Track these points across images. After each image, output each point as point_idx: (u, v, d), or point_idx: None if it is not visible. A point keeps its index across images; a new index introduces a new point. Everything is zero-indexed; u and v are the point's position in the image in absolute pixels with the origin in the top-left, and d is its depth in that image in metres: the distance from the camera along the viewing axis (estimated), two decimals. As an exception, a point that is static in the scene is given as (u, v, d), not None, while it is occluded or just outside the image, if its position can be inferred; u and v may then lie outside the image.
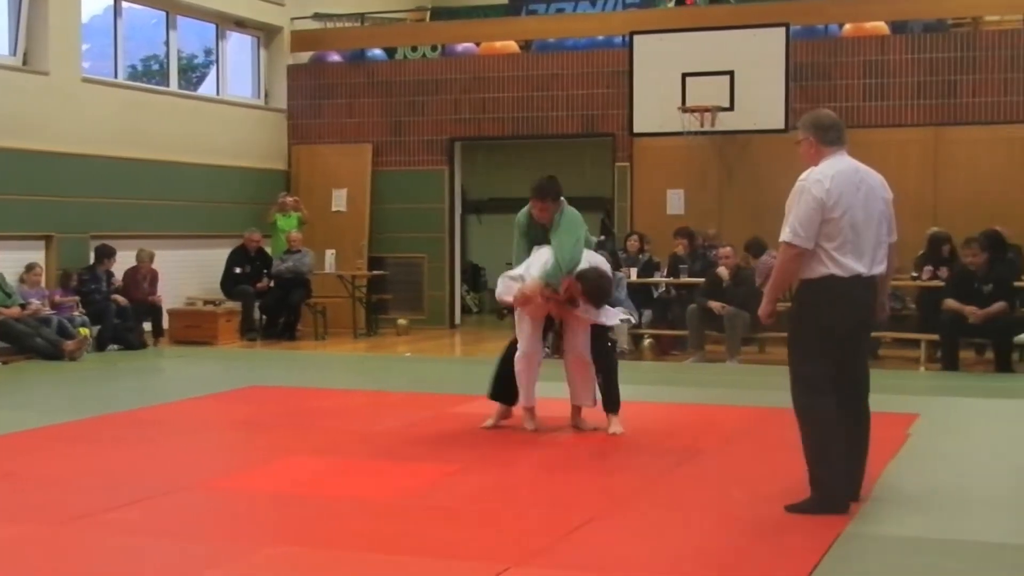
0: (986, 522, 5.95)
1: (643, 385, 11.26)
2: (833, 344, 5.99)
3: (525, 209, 8.56)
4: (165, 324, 15.17)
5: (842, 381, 6.07)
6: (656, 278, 14.71)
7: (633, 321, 13.32)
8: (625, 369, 12.54)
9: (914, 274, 13.41)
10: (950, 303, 12.27)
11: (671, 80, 15.20)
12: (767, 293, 6.26)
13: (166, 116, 15.95)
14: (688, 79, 15.16)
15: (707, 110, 15.02)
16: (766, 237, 12.90)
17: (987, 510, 6.21)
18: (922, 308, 13.30)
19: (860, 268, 5.93)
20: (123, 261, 14.59)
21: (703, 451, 7.73)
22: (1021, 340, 12.31)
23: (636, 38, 15.66)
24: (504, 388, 8.54)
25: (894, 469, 7.05)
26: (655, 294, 14.80)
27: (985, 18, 16.30)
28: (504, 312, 8.17)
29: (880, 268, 6.07)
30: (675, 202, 16.25)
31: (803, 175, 6.02)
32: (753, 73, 14.99)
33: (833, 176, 5.92)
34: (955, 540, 5.57)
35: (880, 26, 15.95)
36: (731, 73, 15.05)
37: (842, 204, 5.88)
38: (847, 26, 16.14)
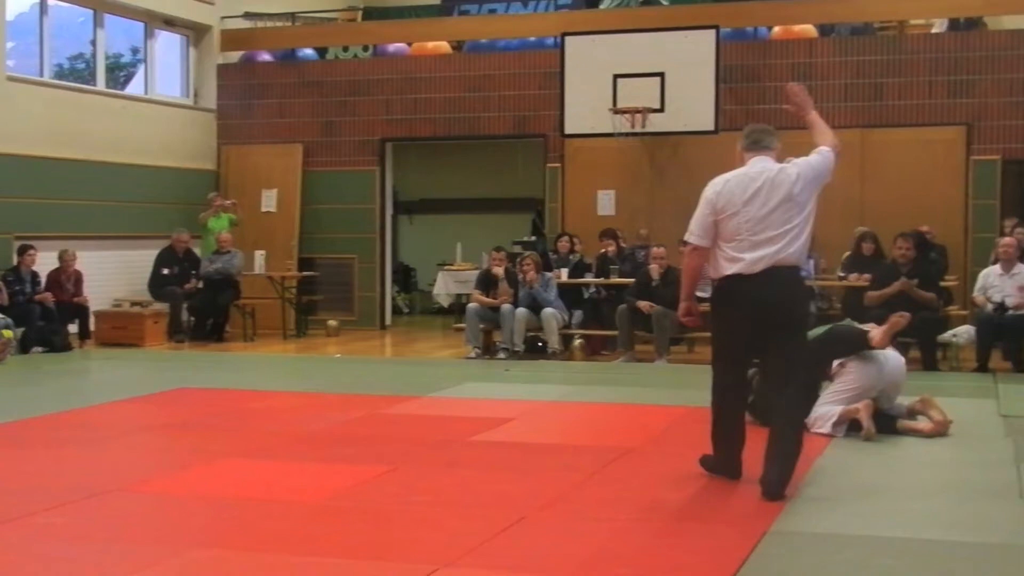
0: (911, 518, 6.02)
1: (573, 385, 11.31)
2: (735, 339, 6.42)
3: None
4: (92, 326, 14.98)
5: (768, 375, 6.44)
6: (586, 279, 14.76)
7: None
8: (555, 369, 12.67)
9: (840, 274, 13.55)
10: (872, 294, 12.39)
11: (603, 81, 15.26)
12: (681, 292, 6.76)
13: (93, 115, 15.77)
14: (619, 80, 15.23)
15: (638, 111, 15.10)
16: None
17: (912, 507, 6.28)
18: (847, 307, 13.42)
19: (758, 266, 6.26)
20: (49, 262, 14.39)
21: (632, 450, 7.76)
22: (946, 339, 12.50)
23: (568, 39, 15.70)
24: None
25: (820, 467, 7.13)
26: (585, 295, 14.85)
27: (910, 22, 16.53)
28: None
29: (786, 253, 6.29)
30: (606, 203, 16.32)
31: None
32: (684, 75, 15.09)
33: (727, 180, 6.41)
34: (881, 536, 5.63)
35: (808, 29, 16.12)
36: (662, 75, 15.14)
37: (732, 205, 6.32)
38: (776, 29, 16.29)
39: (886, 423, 8.14)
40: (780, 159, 6.54)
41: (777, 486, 6.22)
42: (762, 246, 6.27)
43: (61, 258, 14.53)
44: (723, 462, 6.61)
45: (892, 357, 8.32)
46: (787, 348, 6.39)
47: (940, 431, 8.14)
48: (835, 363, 8.20)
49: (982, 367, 12.14)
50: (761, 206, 6.29)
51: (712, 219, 6.35)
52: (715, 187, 6.41)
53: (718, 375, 6.53)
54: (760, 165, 6.43)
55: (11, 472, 7.12)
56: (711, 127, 14.79)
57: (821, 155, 6.58)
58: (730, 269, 6.33)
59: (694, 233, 6.43)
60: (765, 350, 6.43)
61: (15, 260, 14.11)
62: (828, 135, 6.72)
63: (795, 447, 6.33)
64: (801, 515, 5.97)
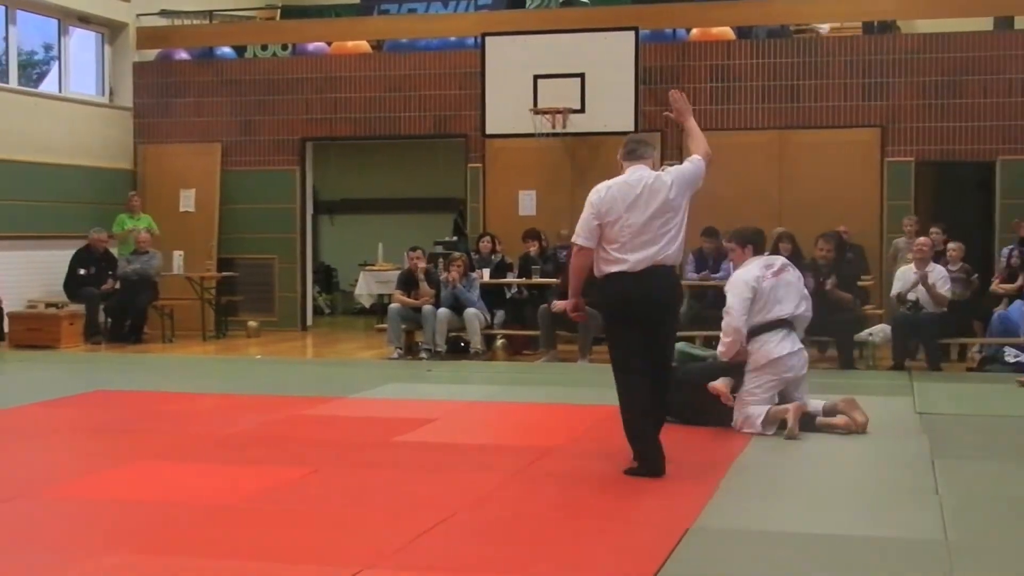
0: (830, 515, 6.10)
1: (496, 385, 11.32)
2: (621, 330, 6.92)
3: None
4: (5, 327, 14.72)
5: (646, 365, 6.85)
6: (508, 279, 14.78)
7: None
8: (478, 369, 12.67)
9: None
10: None
11: (523, 82, 15.27)
12: (569, 289, 7.26)
13: (6, 113, 15.50)
14: (540, 81, 15.24)
15: (559, 112, 15.13)
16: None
17: (831, 503, 6.36)
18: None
19: (637, 265, 6.78)
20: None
21: (554, 449, 7.79)
22: (863, 338, 12.67)
23: (488, 40, 15.69)
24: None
25: (741, 464, 7.20)
26: (508, 294, 14.86)
27: (826, 25, 16.73)
28: None
29: (665, 254, 6.83)
30: (527, 203, 16.34)
31: None
32: (604, 76, 15.14)
33: (609, 187, 6.94)
34: (801, 533, 5.69)
35: (726, 31, 16.26)
36: (582, 76, 15.17)
37: (614, 211, 6.81)
38: (695, 31, 16.40)
39: (805, 421, 8.25)
40: (656, 167, 7.10)
41: (661, 463, 6.77)
42: (643, 248, 6.78)
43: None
44: (644, 459, 6.79)
45: (800, 352, 8.47)
46: (667, 342, 7.06)
47: (856, 429, 8.25)
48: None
49: (898, 366, 12.32)
50: (641, 212, 6.79)
51: (596, 223, 6.84)
52: (599, 193, 6.91)
53: (620, 370, 6.90)
54: (638, 174, 6.93)
55: (-78, 477, 6.98)
56: (631, 127, 14.84)
57: (693, 163, 7.05)
58: (614, 268, 6.82)
59: (580, 235, 6.90)
60: (649, 337, 6.84)
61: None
62: (702, 143, 7.21)
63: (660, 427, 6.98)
64: (722, 512, 6.03)
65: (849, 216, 14.73)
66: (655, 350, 6.88)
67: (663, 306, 6.91)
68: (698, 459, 7.38)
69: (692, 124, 7.33)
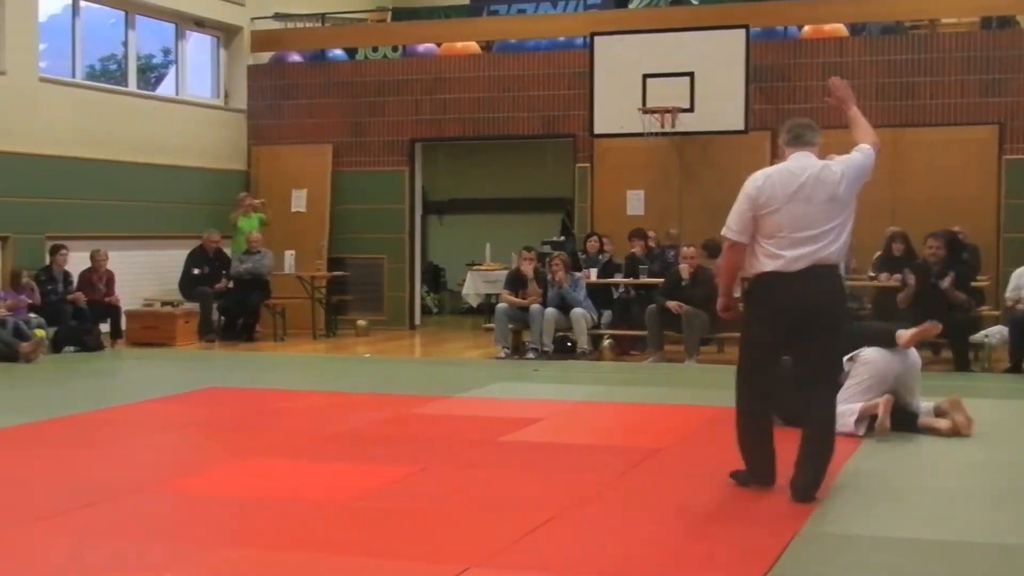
0: (944, 521, 5.99)
1: (602, 385, 11.30)
2: (770, 338, 6.25)
3: None
4: (123, 325, 15.06)
5: (799, 375, 6.31)
6: (616, 279, 14.74)
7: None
8: (585, 369, 12.66)
9: (871, 274, 13.49)
10: (902, 296, 12.34)
11: (632, 81, 15.22)
12: (720, 287, 6.58)
13: (124, 116, 15.85)
14: (649, 80, 15.19)
15: (667, 111, 15.06)
16: (720, 239, 12.94)
17: (944, 509, 6.25)
18: (878, 308, 13.37)
19: (798, 264, 6.12)
20: (81, 263, 14.47)
21: (662, 450, 7.75)
22: (978, 339, 12.42)
23: (597, 39, 15.68)
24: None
25: (852, 467, 7.09)
26: (615, 295, 14.82)
27: (942, 20, 16.43)
28: None
29: (824, 257, 6.16)
30: (635, 203, 16.29)
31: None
32: (713, 74, 15.04)
33: (769, 175, 6.23)
34: (913, 539, 5.60)
35: (839, 28, 16.05)
36: (691, 74, 15.09)
37: (774, 201, 6.14)
38: (806, 28, 16.22)
39: (907, 421, 8.07)
40: (821, 156, 6.40)
41: (808, 488, 6.17)
42: (803, 244, 6.12)
43: (93, 258, 14.61)
44: (756, 470, 6.40)
45: (908, 352, 8.24)
46: (823, 349, 6.30)
47: (960, 432, 8.05)
48: (845, 360, 7.93)
49: (1015, 368, 12.06)
50: (804, 203, 6.14)
51: (751, 215, 6.17)
52: (756, 182, 6.21)
53: (747, 375, 6.34)
54: (803, 161, 6.26)
55: (44, 470, 7.16)
56: (741, 127, 14.75)
57: (863, 153, 6.42)
58: (768, 266, 6.17)
59: (732, 229, 6.25)
60: (798, 349, 6.29)
61: (47, 260, 14.20)
62: (869, 133, 6.59)
63: (827, 448, 6.27)
64: (832, 517, 5.94)
65: (965, 215, 14.45)
66: (810, 355, 6.23)
67: (820, 313, 6.18)
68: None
69: (856, 112, 6.69)
